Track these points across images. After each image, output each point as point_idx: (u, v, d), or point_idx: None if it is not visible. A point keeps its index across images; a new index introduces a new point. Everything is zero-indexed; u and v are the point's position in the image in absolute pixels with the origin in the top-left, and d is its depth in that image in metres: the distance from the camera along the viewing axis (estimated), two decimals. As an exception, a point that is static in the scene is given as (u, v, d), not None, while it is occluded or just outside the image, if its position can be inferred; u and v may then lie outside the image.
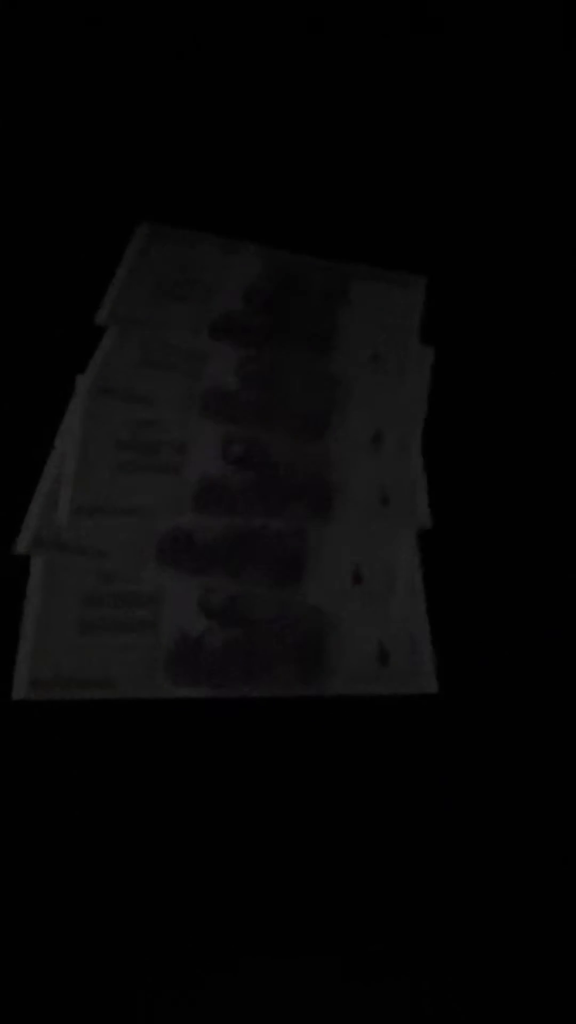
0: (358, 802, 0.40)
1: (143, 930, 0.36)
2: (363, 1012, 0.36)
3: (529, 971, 0.37)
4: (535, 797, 0.40)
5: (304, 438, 0.50)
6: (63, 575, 0.44)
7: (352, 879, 0.38)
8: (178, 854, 0.38)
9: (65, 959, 0.36)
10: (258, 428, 0.50)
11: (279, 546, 0.46)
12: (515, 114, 0.66)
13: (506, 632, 0.44)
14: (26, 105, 0.62)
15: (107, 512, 0.46)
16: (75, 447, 0.48)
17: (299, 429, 0.50)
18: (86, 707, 0.41)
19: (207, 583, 0.44)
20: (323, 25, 0.68)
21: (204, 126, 0.63)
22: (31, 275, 0.54)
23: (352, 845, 0.39)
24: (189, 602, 0.44)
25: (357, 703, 0.42)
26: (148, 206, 0.58)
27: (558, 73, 0.68)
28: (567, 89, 0.67)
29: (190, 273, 0.56)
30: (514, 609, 0.45)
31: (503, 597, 0.45)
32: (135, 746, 0.40)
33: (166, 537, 0.46)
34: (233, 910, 0.37)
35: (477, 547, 0.47)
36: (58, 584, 0.44)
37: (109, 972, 0.36)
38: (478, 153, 0.64)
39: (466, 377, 0.54)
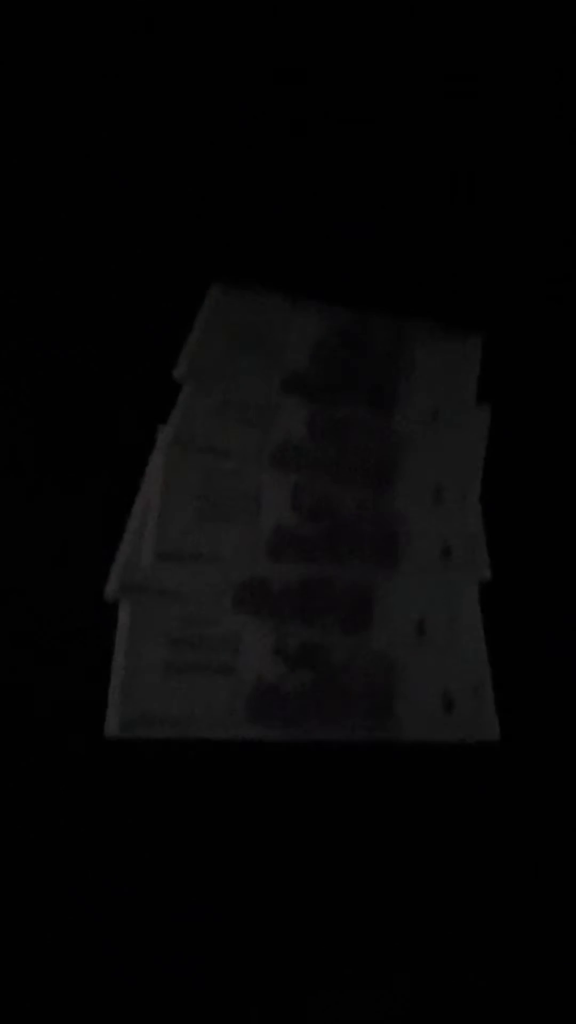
0: (419, 845, 0.42)
1: (214, 955, 0.39)
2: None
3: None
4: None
5: (369, 491, 0.53)
6: (148, 618, 0.47)
7: (410, 916, 0.41)
8: (247, 883, 0.41)
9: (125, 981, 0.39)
10: (326, 480, 0.53)
11: (348, 595, 0.49)
12: (569, 172, 0.69)
13: (567, 682, 0.46)
14: (106, 172, 0.66)
15: (187, 559, 0.49)
16: (156, 497, 0.51)
17: (365, 482, 0.53)
18: (171, 745, 0.44)
19: (282, 629, 0.47)
20: (382, 90, 0.72)
21: (270, 190, 0.66)
22: (115, 332, 0.58)
23: (411, 883, 0.41)
24: (266, 647, 0.47)
25: (423, 748, 0.44)
26: (221, 267, 0.62)
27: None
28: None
29: (259, 331, 0.60)
30: (574, 659, 0.47)
31: (564, 647, 0.48)
32: (215, 783, 0.43)
33: (243, 583, 0.49)
34: (298, 941, 0.40)
35: (536, 598, 0.49)
36: (143, 628, 0.47)
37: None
38: (534, 214, 0.67)
39: (522, 433, 0.56)
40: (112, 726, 0.44)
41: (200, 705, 0.45)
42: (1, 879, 0.40)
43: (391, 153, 0.69)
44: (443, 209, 0.67)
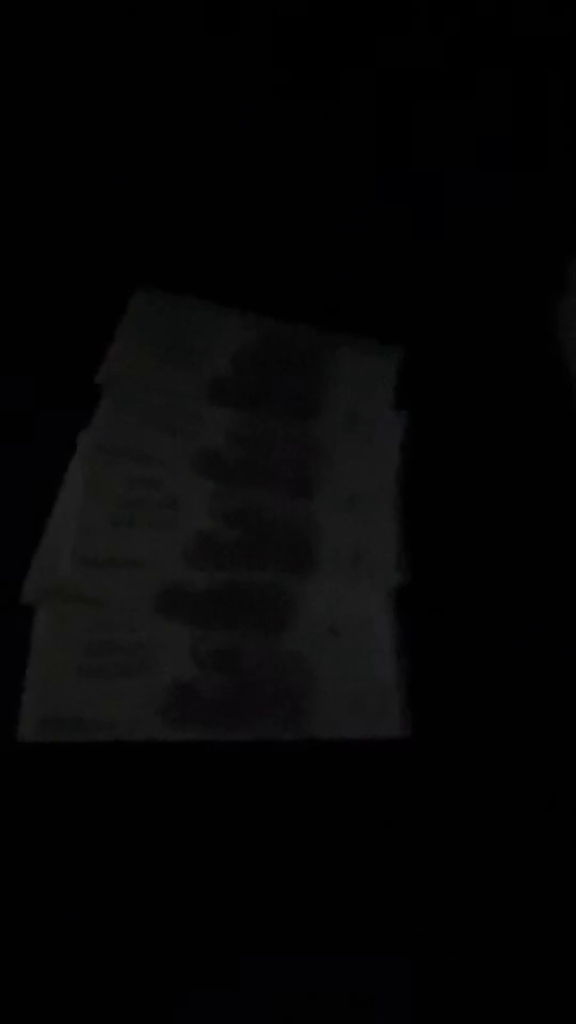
0: (329, 841, 0.44)
1: (139, 951, 0.40)
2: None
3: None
4: (502, 844, 0.45)
5: (288, 498, 0.55)
6: (66, 624, 0.48)
7: (322, 918, 0.42)
8: (173, 883, 0.42)
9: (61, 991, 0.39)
10: (246, 488, 0.54)
11: (264, 599, 0.50)
12: (488, 189, 0.72)
13: (479, 684, 0.49)
14: (24, 170, 0.66)
15: (107, 565, 0.50)
16: (77, 502, 0.52)
17: (283, 489, 0.55)
18: (87, 748, 0.44)
19: (198, 633, 0.49)
20: (315, 103, 0.74)
21: (197, 197, 0.67)
22: (37, 336, 0.58)
23: (317, 881, 0.43)
24: (182, 651, 0.48)
25: (337, 746, 0.46)
26: (146, 273, 0.62)
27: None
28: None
29: (183, 337, 0.61)
30: (487, 662, 0.50)
31: (477, 651, 0.50)
32: (132, 785, 0.44)
33: (163, 589, 0.50)
34: (224, 938, 0.41)
35: (451, 602, 0.52)
36: (61, 632, 0.48)
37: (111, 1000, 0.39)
38: (459, 222, 0.69)
39: (439, 441, 0.59)
40: (27, 729, 0.44)
41: (116, 708, 0.46)
42: None
43: (317, 162, 0.71)
44: (367, 220, 0.69)
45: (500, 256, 0.68)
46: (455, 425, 0.59)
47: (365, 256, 0.66)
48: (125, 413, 0.56)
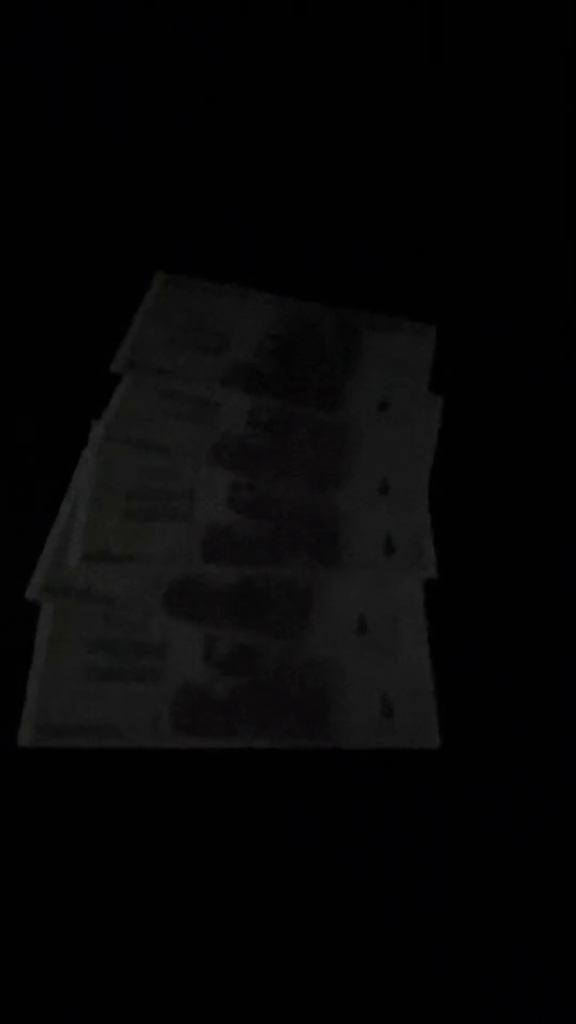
0: (354, 856, 0.39)
1: (142, 960, 0.37)
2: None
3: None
4: (531, 857, 0.40)
5: (312, 487, 0.50)
6: (71, 622, 0.45)
7: (347, 928, 0.38)
8: (174, 901, 0.38)
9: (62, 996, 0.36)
10: (267, 477, 0.51)
11: (285, 596, 0.46)
12: (529, 164, 0.67)
13: (511, 687, 0.44)
14: (48, 156, 0.64)
15: (116, 559, 0.47)
16: (87, 494, 0.49)
17: (307, 478, 0.51)
18: (91, 755, 0.41)
19: (213, 632, 0.45)
20: (335, 76, 0.70)
21: (221, 178, 0.64)
22: (49, 323, 0.56)
23: (348, 896, 0.39)
24: (195, 652, 0.44)
25: (359, 756, 0.42)
26: (164, 257, 0.59)
27: None
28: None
29: (204, 322, 0.57)
30: (520, 663, 0.45)
31: (509, 651, 0.45)
32: (138, 795, 0.40)
33: (174, 585, 0.46)
34: (230, 951, 0.37)
35: (484, 598, 0.47)
36: (66, 631, 0.44)
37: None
38: (490, 202, 0.65)
39: (476, 426, 0.54)
40: (26, 735, 0.41)
41: (122, 713, 0.42)
42: None
43: (343, 142, 0.67)
44: (397, 199, 0.65)
45: (538, 234, 0.64)
46: (492, 410, 0.55)
47: (393, 232, 0.62)
48: (140, 401, 0.53)
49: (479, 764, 0.42)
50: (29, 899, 0.38)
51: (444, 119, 0.69)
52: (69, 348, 0.54)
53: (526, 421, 0.55)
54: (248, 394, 0.54)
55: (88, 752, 0.41)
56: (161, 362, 0.55)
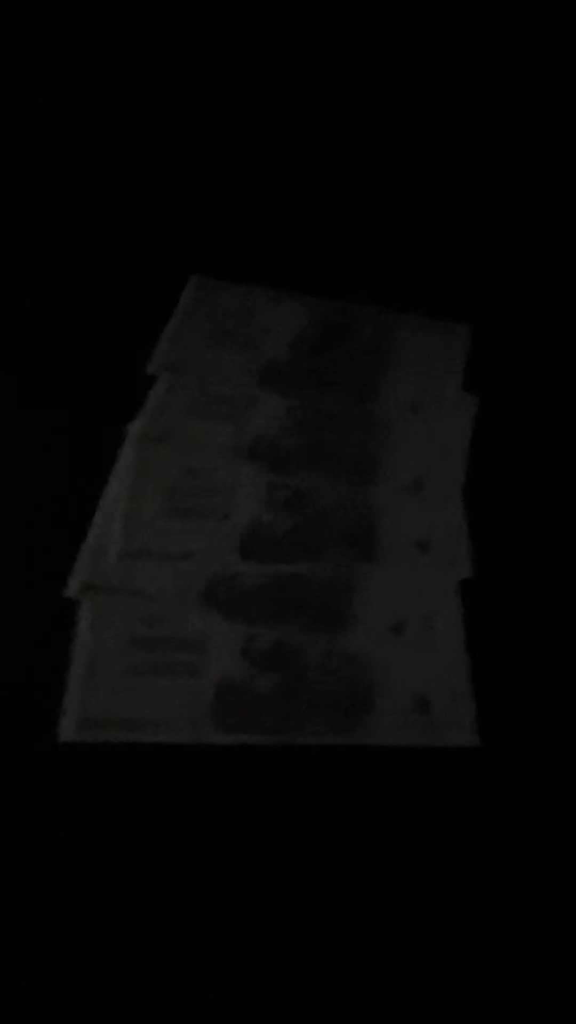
0: (393, 852, 0.40)
1: (176, 963, 0.37)
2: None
3: None
4: (571, 856, 0.39)
5: (347, 485, 0.51)
6: (110, 618, 0.45)
7: (381, 929, 0.38)
8: (212, 897, 0.38)
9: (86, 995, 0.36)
10: (302, 474, 0.51)
11: (322, 593, 0.47)
12: (566, 161, 0.67)
13: (548, 685, 0.44)
14: (85, 161, 0.65)
15: (155, 556, 0.47)
16: (125, 492, 0.50)
17: (342, 476, 0.51)
18: (131, 750, 0.41)
19: (251, 629, 0.45)
20: (366, 85, 0.71)
21: (255, 183, 0.65)
22: (87, 326, 0.57)
23: (382, 895, 0.39)
24: (234, 648, 0.45)
25: (397, 752, 0.42)
26: (199, 260, 0.60)
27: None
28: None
29: (238, 323, 0.58)
30: (556, 661, 0.44)
31: (545, 648, 0.45)
32: (177, 790, 0.41)
33: (212, 582, 0.47)
34: (259, 949, 0.37)
35: (519, 597, 0.47)
36: (106, 627, 0.45)
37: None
38: (524, 204, 0.65)
39: (510, 425, 0.54)
40: (68, 729, 0.42)
41: (162, 708, 0.43)
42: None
43: (374, 143, 0.68)
44: (428, 197, 0.65)
45: (574, 233, 0.63)
46: (526, 410, 0.55)
47: (430, 231, 0.62)
48: (177, 401, 0.54)
49: (516, 762, 0.41)
50: (69, 892, 0.39)
51: (479, 117, 0.69)
52: (107, 351, 0.55)
53: (560, 421, 0.54)
54: (283, 392, 0.55)
55: (127, 746, 0.42)
56: (196, 363, 0.56)
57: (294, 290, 0.60)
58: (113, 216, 0.62)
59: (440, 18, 0.70)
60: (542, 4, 0.69)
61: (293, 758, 0.41)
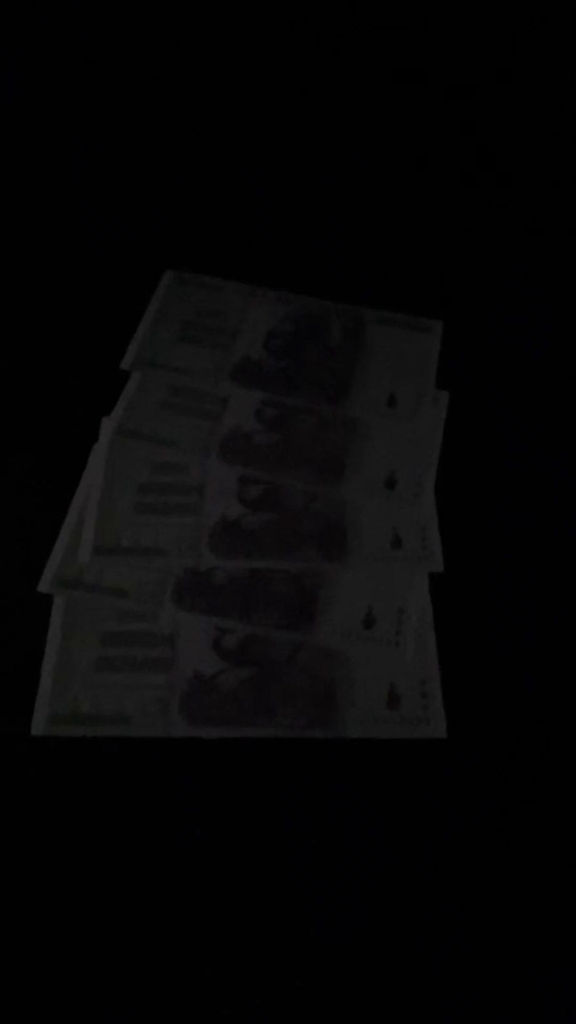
0: (361, 845, 0.40)
1: (146, 956, 0.37)
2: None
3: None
4: (537, 848, 0.40)
5: (320, 481, 0.51)
6: (83, 614, 0.46)
7: (352, 918, 0.38)
8: (182, 889, 0.39)
9: (66, 990, 0.37)
10: (275, 471, 0.51)
11: (293, 588, 0.47)
12: (537, 159, 0.68)
13: (516, 678, 0.44)
14: (54, 157, 0.65)
15: (127, 552, 0.48)
16: (98, 488, 0.50)
17: (315, 472, 0.51)
18: (103, 744, 0.42)
19: (222, 624, 0.46)
20: (338, 81, 0.71)
21: (228, 177, 0.65)
22: (59, 322, 0.56)
23: (352, 887, 0.39)
24: (204, 642, 0.45)
25: (366, 745, 0.42)
26: (173, 255, 0.60)
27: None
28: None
29: (212, 319, 0.58)
30: (525, 654, 0.45)
31: (514, 642, 0.46)
32: (148, 784, 0.41)
33: (183, 578, 0.47)
34: (235, 943, 0.38)
35: (489, 591, 0.47)
36: (78, 623, 0.45)
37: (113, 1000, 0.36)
38: (496, 198, 0.65)
39: (482, 421, 0.54)
40: (39, 724, 0.42)
41: (133, 703, 0.43)
42: None
43: (349, 140, 0.68)
44: (401, 195, 0.65)
45: (544, 230, 0.64)
46: (497, 405, 0.55)
47: (399, 227, 0.63)
48: (149, 397, 0.54)
49: (485, 755, 0.42)
50: (40, 885, 0.39)
51: (450, 116, 0.69)
52: (79, 346, 0.55)
53: (531, 416, 0.55)
54: (256, 389, 0.55)
55: (98, 741, 0.42)
56: (170, 358, 0.56)
57: (268, 287, 0.60)
58: (88, 211, 0.62)
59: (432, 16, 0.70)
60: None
61: (264, 752, 0.42)
